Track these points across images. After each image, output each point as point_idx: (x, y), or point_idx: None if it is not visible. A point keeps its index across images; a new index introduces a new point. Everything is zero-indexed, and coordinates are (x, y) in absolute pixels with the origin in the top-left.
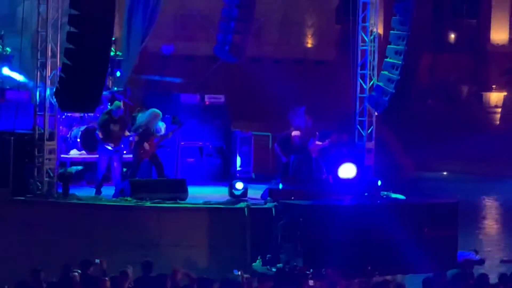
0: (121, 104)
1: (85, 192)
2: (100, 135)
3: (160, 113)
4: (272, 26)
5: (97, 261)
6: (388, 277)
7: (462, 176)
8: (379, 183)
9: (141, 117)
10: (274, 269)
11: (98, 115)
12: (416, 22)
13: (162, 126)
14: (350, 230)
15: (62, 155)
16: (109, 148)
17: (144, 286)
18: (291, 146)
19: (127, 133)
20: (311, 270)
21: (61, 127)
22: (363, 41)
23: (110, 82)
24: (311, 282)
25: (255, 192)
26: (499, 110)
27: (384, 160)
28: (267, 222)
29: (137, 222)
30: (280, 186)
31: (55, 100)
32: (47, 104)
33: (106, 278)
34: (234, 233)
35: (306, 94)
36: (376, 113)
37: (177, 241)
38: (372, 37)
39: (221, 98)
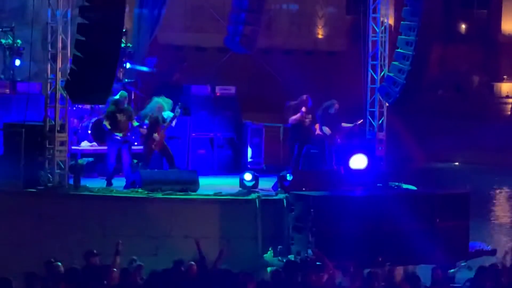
0: (126, 94)
1: (96, 184)
2: (108, 126)
3: (164, 103)
4: (283, 17)
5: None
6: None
7: (473, 166)
8: None
9: (146, 109)
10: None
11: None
12: (427, 13)
13: (170, 115)
14: (362, 221)
15: (73, 147)
16: (118, 137)
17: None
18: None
19: (135, 123)
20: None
21: (72, 119)
22: (374, 32)
23: (121, 73)
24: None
25: (266, 183)
26: (510, 100)
27: (395, 151)
28: (278, 213)
29: (148, 214)
30: (289, 177)
31: (65, 92)
32: (58, 96)
33: (115, 269)
34: (246, 224)
35: (317, 85)
36: (387, 104)
37: (188, 233)
38: (383, 27)
39: (232, 89)
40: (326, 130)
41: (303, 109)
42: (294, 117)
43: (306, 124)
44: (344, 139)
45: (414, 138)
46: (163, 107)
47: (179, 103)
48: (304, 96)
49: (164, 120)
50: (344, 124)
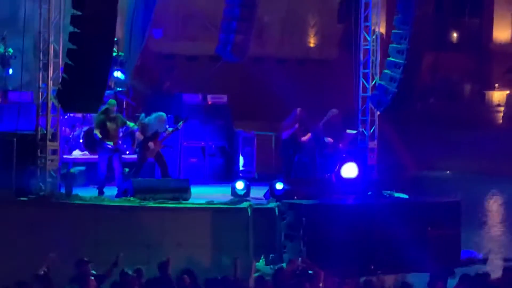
0: (115, 102)
1: (88, 193)
2: (99, 135)
3: (165, 115)
4: (274, 26)
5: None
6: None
7: (464, 175)
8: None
9: (149, 120)
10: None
11: None
12: (418, 21)
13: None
14: (353, 229)
15: (64, 156)
16: (109, 146)
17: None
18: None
19: (130, 123)
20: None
21: (63, 127)
22: (366, 40)
23: (113, 82)
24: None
25: (258, 192)
26: (502, 108)
27: (386, 159)
28: (270, 222)
29: (140, 222)
30: (280, 185)
31: (57, 101)
32: (50, 105)
33: (92, 277)
34: (237, 233)
35: (308, 94)
36: (378, 112)
37: (180, 241)
38: (374, 36)
39: (224, 98)
40: (328, 140)
41: (296, 125)
42: (287, 131)
43: (299, 136)
44: (348, 145)
45: (405, 146)
46: (165, 120)
47: (185, 118)
48: (298, 110)
49: (165, 129)
50: (348, 131)
